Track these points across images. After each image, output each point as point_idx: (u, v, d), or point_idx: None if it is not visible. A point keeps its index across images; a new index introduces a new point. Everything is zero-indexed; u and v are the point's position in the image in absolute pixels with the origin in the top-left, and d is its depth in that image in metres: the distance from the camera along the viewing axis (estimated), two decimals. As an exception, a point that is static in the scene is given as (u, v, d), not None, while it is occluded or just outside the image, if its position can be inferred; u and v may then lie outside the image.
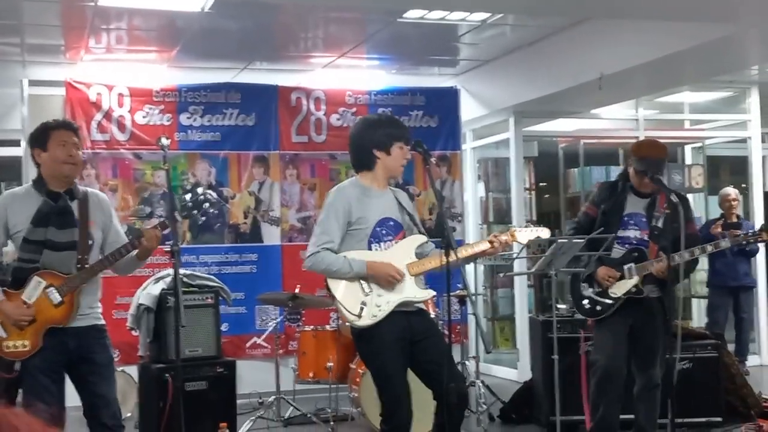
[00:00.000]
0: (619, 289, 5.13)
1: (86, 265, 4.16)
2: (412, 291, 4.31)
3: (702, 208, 9.93)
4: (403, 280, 4.28)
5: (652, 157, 5.10)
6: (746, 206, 9.61)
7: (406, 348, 4.27)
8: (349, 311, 4.23)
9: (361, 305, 4.22)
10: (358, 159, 4.44)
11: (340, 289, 4.27)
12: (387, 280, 4.24)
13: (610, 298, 5.16)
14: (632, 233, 5.17)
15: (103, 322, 4.30)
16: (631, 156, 5.23)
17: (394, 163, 4.38)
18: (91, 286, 4.21)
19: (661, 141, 5.50)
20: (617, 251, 5.18)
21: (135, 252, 4.21)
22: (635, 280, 5.09)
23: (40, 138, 4.22)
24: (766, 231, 5.15)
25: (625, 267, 5.13)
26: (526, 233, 4.51)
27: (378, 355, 4.26)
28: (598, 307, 5.21)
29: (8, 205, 4.19)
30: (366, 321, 4.22)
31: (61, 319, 4.13)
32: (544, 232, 4.54)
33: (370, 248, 4.30)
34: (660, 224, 5.11)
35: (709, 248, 5.17)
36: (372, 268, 4.23)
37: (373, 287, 4.26)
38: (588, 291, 5.25)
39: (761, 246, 9.11)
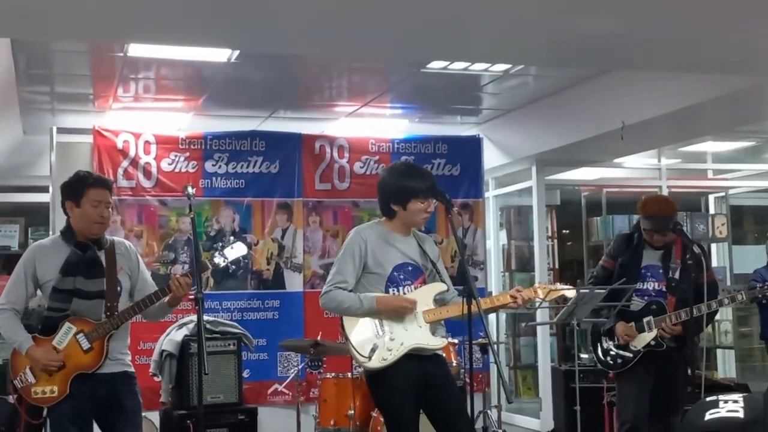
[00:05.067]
0: (639, 342, 5.18)
1: (115, 312, 4.20)
2: (425, 338, 4.32)
3: (726, 257, 9.88)
4: (419, 326, 4.30)
5: (658, 215, 5.17)
6: (771, 256, 9.53)
7: (420, 392, 4.28)
8: (359, 352, 4.27)
9: (372, 347, 4.25)
10: (381, 207, 4.50)
11: (353, 329, 4.31)
12: (398, 311, 4.25)
13: (630, 351, 5.20)
14: (650, 285, 5.24)
15: (132, 369, 4.34)
16: (638, 213, 5.32)
17: (411, 218, 4.40)
18: (120, 332, 4.25)
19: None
20: (636, 303, 5.23)
21: (166, 299, 4.26)
22: (654, 332, 5.14)
23: (75, 192, 4.26)
24: None
25: (644, 320, 5.18)
26: (551, 291, 4.51)
27: (390, 399, 4.29)
28: (619, 360, 5.24)
29: (36, 257, 4.26)
30: (375, 363, 4.25)
31: (90, 365, 4.16)
32: (570, 292, 4.57)
33: (387, 292, 4.34)
34: (677, 275, 5.18)
35: (726, 301, 5.20)
36: (381, 302, 4.26)
37: (386, 330, 4.28)
38: (609, 344, 5.29)
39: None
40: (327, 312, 7.71)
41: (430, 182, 4.38)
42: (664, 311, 5.15)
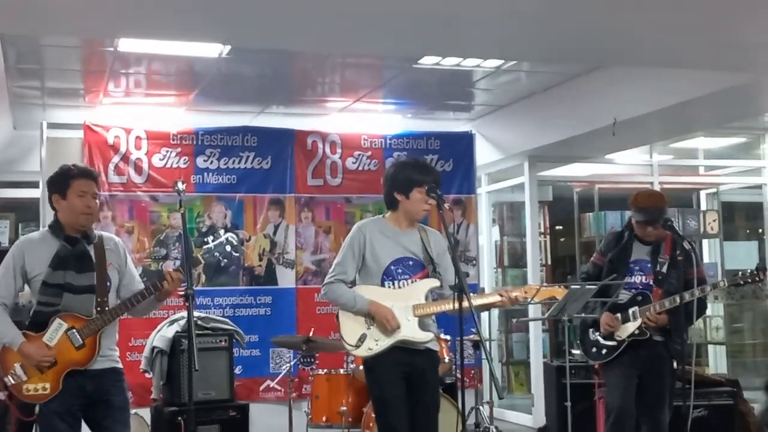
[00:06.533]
0: (623, 332, 5.25)
1: (106, 308, 4.17)
2: (412, 331, 4.44)
3: (717, 253, 9.89)
4: (407, 319, 4.43)
5: (650, 207, 5.24)
6: (761, 252, 9.56)
7: (407, 380, 4.43)
8: (347, 341, 4.48)
9: (361, 337, 4.44)
10: (385, 199, 4.63)
11: (345, 318, 4.51)
12: (383, 323, 4.41)
13: (614, 340, 5.26)
14: (638, 278, 5.31)
15: (120, 365, 4.31)
16: (630, 208, 5.38)
17: (413, 207, 4.52)
18: (110, 328, 4.23)
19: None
20: (624, 295, 5.31)
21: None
22: (638, 322, 5.20)
23: (60, 185, 4.23)
24: (763, 271, 5.15)
25: (630, 310, 5.24)
26: (540, 292, 4.56)
27: (378, 384, 4.47)
28: (604, 351, 5.31)
29: (25, 250, 4.21)
30: (362, 352, 4.46)
31: (82, 361, 4.13)
32: (559, 294, 4.61)
33: (382, 285, 4.49)
34: (664, 270, 5.25)
35: (708, 289, 5.21)
36: (373, 307, 4.43)
37: (375, 322, 4.45)
38: (595, 335, 5.36)
39: None
40: (319, 308, 7.79)
41: (435, 177, 4.54)
42: (650, 302, 5.22)
